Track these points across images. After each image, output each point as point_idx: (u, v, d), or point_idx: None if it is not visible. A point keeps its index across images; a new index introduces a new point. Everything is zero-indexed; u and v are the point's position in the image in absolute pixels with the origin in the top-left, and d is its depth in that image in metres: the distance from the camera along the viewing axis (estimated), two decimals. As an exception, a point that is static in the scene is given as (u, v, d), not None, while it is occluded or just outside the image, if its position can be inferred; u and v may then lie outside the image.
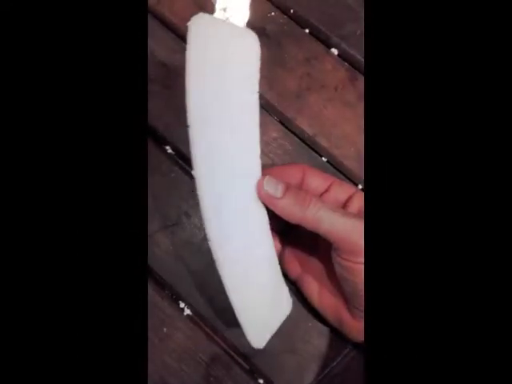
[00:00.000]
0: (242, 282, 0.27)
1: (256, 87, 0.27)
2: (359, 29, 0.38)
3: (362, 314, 0.28)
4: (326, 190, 0.30)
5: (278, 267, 0.31)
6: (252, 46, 0.28)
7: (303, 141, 0.36)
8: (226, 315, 0.33)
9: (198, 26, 0.25)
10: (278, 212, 0.27)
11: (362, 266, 0.26)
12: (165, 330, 0.32)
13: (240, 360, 0.33)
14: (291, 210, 0.26)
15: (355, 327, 0.29)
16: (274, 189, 0.26)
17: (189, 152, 0.35)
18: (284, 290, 0.31)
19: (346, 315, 0.30)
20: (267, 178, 0.27)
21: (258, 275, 0.29)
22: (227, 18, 0.36)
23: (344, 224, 0.26)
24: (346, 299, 0.29)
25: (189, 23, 0.25)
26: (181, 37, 0.37)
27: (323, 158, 0.36)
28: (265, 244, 0.29)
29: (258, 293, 0.29)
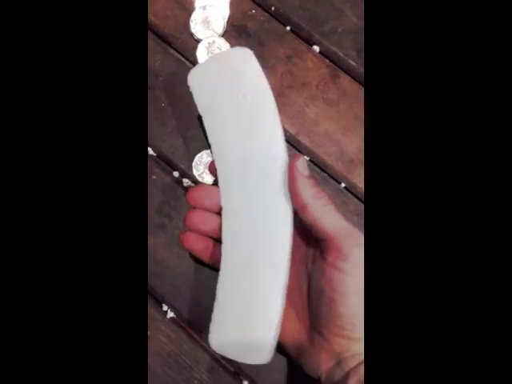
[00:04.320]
0: None
1: (269, 89, 0.29)
2: (341, 26, 0.37)
3: (325, 344, 0.26)
4: None
5: None
6: (248, 60, 0.29)
7: (285, 139, 0.35)
8: (209, 317, 0.33)
9: (195, 80, 0.29)
10: (294, 186, 0.27)
11: (345, 278, 0.25)
12: (148, 333, 0.32)
13: (224, 362, 0.32)
14: (304, 192, 0.26)
15: (313, 358, 0.27)
16: (303, 168, 0.27)
17: (170, 154, 0.35)
18: None
19: (306, 342, 0.28)
20: (303, 158, 0.27)
21: None
22: (206, 17, 0.36)
23: (345, 226, 0.26)
24: (313, 320, 0.28)
25: (188, 82, 0.30)
26: (161, 37, 0.37)
27: (305, 157, 0.35)
28: None
29: None
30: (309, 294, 0.28)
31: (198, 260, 0.33)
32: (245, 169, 0.28)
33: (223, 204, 0.28)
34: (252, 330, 0.27)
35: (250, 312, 0.27)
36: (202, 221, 0.30)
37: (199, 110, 0.29)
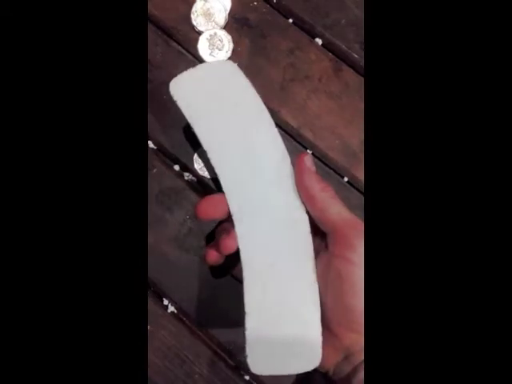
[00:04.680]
0: None
1: (257, 95, 0.29)
2: (344, 18, 0.37)
3: (334, 339, 0.26)
4: None
5: None
6: (233, 71, 0.29)
7: (287, 133, 0.35)
8: (210, 312, 0.32)
9: (179, 89, 0.29)
10: (302, 180, 0.27)
11: (354, 268, 0.25)
12: (148, 327, 0.32)
13: (225, 356, 0.32)
14: (311, 185, 0.27)
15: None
16: (310, 164, 0.27)
17: (171, 147, 0.35)
18: None
19: None
20: (309, 155, 0.28)
21: None
22: (208, 9, 0.36)
23: (352, 217, 0.26)
24: (320, 315, 0.27)
25: (170, 91, 0.29)
26: (162, 29, 0.36)
27: (308, 150, 0.35)
28: None
29: None
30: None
31: (199, 254, 0.33)
32: (248, 173, 0.28)
33: (233, 211, 0.27)
34: (296, 334, 0.26)
35: (290, 316, 0.26)
36: (233, 245, 0.28)
37: (187, 118, 0.29)
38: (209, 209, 0.28)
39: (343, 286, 0.25)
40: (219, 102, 0.28)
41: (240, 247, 0.27)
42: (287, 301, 0.26)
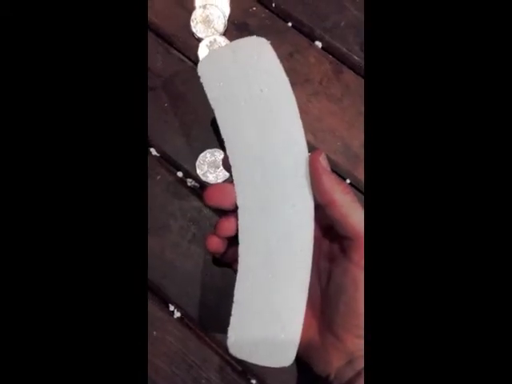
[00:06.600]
0: None
1: (287, 81, 0.27)
2: (343, 20, 0.37)
3: (338, 343, 0.26)
4: None
5: None
6: (264, 50, 0.28)
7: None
8: (216, 316, 0.33)
9: (207, 70, 0.28)
10: (320, 182, 0.26)
11: None
12: (155, 333, 0.32)
13: (232, 361, 0.32)
14: (331, 188, 0.25)
15: (323, 356, 0.27)
16: (326, 164, 0.26)
17: (173, 154, 0.35)
18: None
19: (316, 340, 0.27)
20: (324, 153, 0.27)
21: None
22: (207, 16, 0.36)
23: None
24: (328, 318, 0.27)
25: (198, 72, 0.28)
26: (162, 37, 0.37)
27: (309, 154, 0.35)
28: None
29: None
30: (325, 291, 0.28)
31: (203, 259, 0.33)
32: (262, 165, 0.27)
33: (239, 202, 0.27)
34: (275, 332, 0.26)
35: (272, 314, 0.27)
36: (231, 227, 0.28)
37: (211, 102, 0.27)
38: (216, 195, 0.28)
39: (357, 294, 0.25)
40: (245, 85, 0.27)
41: (240, 238, 0.27)
42: (274, 301, 0.27)
